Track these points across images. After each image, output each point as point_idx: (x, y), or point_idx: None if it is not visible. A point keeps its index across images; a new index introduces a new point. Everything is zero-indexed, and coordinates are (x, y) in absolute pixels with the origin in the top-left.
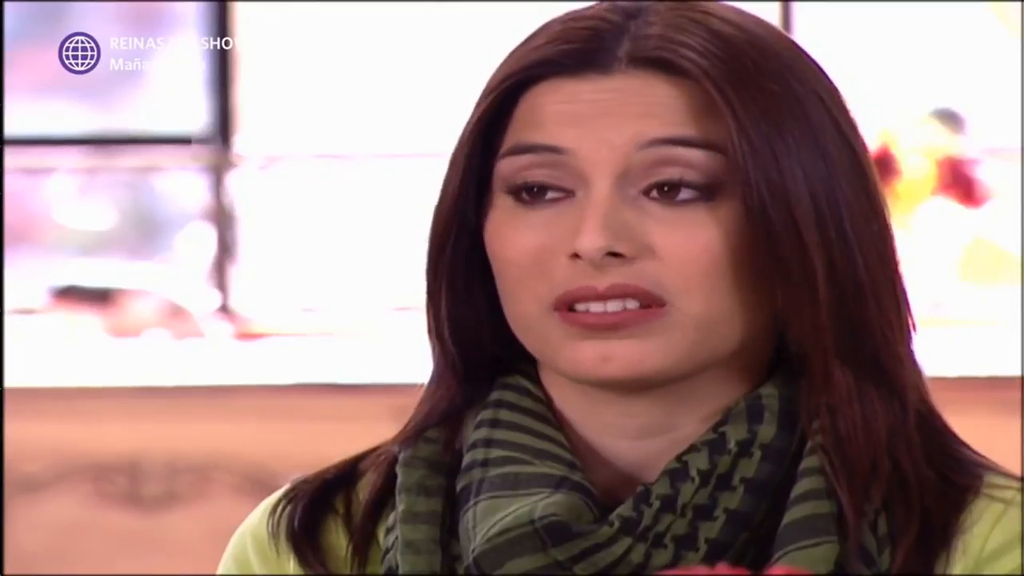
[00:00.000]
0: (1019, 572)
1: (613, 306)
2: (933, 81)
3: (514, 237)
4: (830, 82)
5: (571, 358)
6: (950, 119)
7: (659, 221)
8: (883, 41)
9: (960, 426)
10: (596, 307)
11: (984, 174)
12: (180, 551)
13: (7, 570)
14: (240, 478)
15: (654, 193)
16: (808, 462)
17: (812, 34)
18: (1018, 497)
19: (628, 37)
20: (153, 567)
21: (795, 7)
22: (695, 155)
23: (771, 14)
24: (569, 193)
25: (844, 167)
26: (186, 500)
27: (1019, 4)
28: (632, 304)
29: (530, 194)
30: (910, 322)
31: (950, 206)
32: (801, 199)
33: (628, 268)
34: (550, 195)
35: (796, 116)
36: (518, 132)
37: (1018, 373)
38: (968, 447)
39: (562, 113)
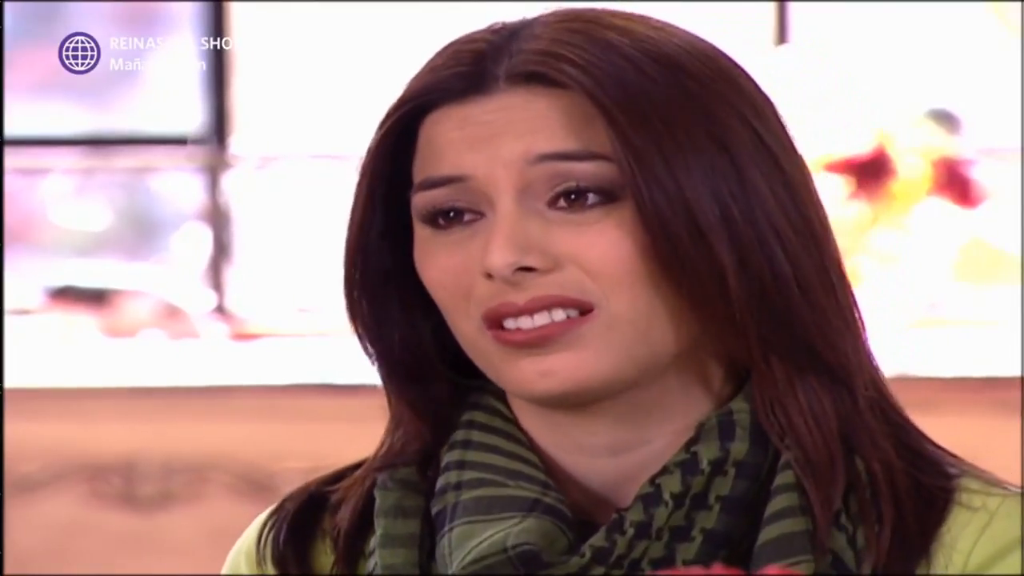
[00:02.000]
0: None
1: (541, 319)
2: (929, 81)
3: (434, 263)
4: (745, 80)
5: (512, 377)
6: (946, 119)
7: (565, 230)
8: (879, 41)
9: (959, 426)
10: (525, 322)
11: (980, 174)
12: (176, 551)
13: (5, 570)
14: (236, 478)
15: (561, 202)
16: (781, 478)
17: (808, 34)
18: (1001, 507)
19: (506, 55)
20: (150, 567)
21: (791, 7)
22: (585, 167)
23: (767, 14)
24: (480, 215)
25: (756, 161)
26: (182, 500)
27: (1019, 4)
28: (559, 315)
29: (446, 219)
30: (856, 314)
31: (946, 206)
32: (700, 198)
33: (546, 279)
34: (467, 217)
35: (693, 117)
36: (423, 165)
37: (1018, 373)
38: (933, 442)
39: (457, 140)
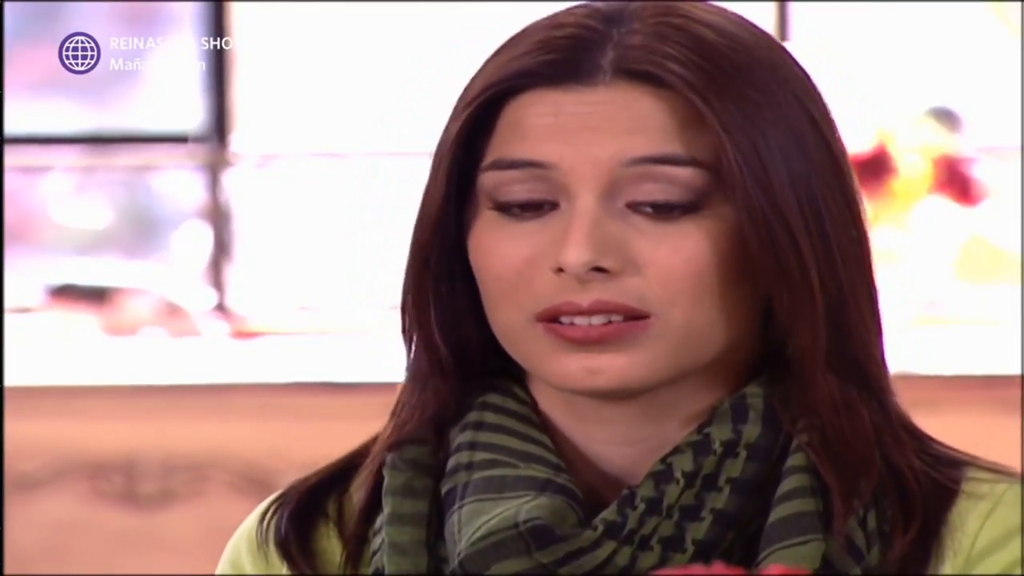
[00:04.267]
0: (1016, 565)
1: (597, 319)
2: (929, 80)
3: (498, 250)
4: (809, 80)
5: (558, 371)
6: (946, 117)
7: (645, 234)
8: (879, 41)
9: (959, 425)
10: (580, 320)
11: (980, 173)
12: (176, 550)
13: (5, 569)
14: (236, 477)
15: (646, 208)
16: (793, 460)
17: (809, 33)
18: (1008, 492)
19: (611, 47)
20: (150, 566)
21: (791, 7)
22: (679, 172)
23: (768, 13)
24: (554, 205)
25: (824, 168)
26: (182, 499)
27: (1019, 4)
28: (616, 317)
29: (516, 209)
30: (883, 331)
31: (946, 205)
32: (790, 204)
33: (612, 284)
34: (539, 206)
35: (777, 120)
36: (502, 145)
37: (1018, 372)
38: (941, 443)
39: (545, 127)
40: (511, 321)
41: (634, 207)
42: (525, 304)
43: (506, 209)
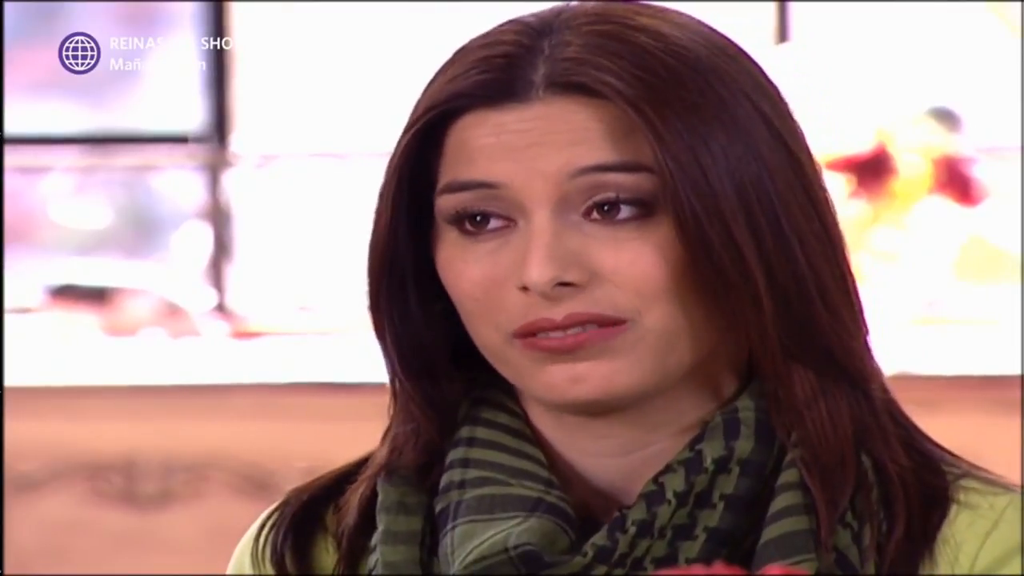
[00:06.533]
0: None
1: (573, 330)
2: (929, 80)
3: (463, 270)
4: (763, 78)
5: (542, 383)
6: (946, 118)
7: (603, 244)
8: (879, 41)
9: (959, 425)
10: (556, 333)
11: (980, 173)
12: (176, 550)
13: (5, 569)
14: (236, 477)
15: (595, 215)
16: (785, 476)
17: (809, 33)
18: (1008, 509)
19: (543, 61)
20: (149, 566)
21: (791, 7)
22: (626, 178)
23: (767, 14)
24: (511, 222)
25: (779, 165)
26: (182, 499)
27: (1019, 4)
28: (591, 326)
29: (473, 223)
30: (864, 315)
31: (946, 205)
32: (733, 208)
33: (582, 296)
34: (493, 223)
35: (722, 121)
36: (451, 168)
37: (1017, 372)
38: (934, 442)
39: (490, 146)
40: (491, 340)
41: (588, 217)
42: (500, 323)
43: (465, 224)
